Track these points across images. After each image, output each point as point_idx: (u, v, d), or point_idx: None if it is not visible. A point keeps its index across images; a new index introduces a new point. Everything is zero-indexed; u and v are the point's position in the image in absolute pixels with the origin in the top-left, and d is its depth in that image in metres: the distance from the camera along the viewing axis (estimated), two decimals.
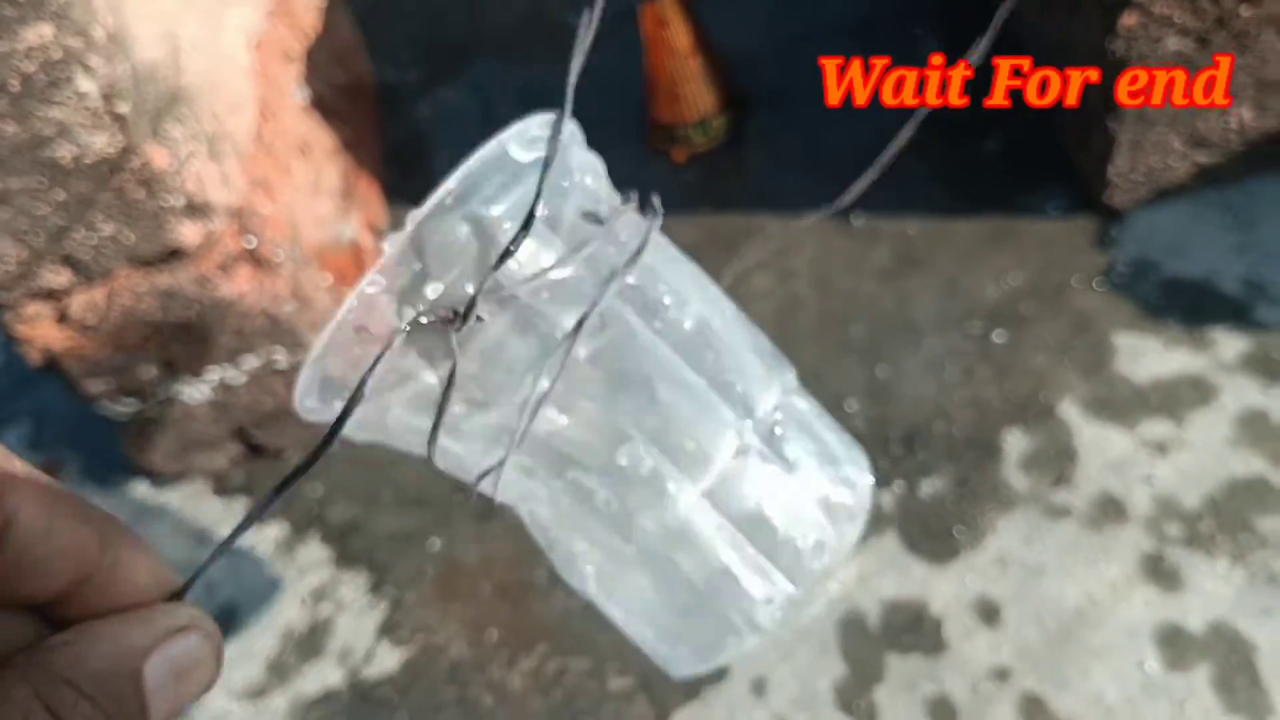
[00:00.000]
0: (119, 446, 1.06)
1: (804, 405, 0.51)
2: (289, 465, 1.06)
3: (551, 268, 0.41)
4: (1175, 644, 0.80)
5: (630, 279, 0.44)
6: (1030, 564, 0.87)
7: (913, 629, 0.87)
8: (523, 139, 0.43)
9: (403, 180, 1.34)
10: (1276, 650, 0.79)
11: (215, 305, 0.91)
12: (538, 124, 0.42)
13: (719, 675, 0.87)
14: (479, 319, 0.40)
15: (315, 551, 1.00)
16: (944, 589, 0.88)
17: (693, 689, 0.86)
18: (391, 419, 0.44)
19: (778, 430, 0.48)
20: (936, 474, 0.94)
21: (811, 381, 1.02)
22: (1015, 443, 0.93)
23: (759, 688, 0.86)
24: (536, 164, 0.42)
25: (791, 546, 0.47)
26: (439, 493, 1.01)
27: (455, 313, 0.38)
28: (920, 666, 0.85)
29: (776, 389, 0.50)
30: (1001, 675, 0.83)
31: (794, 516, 0.48)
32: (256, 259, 0.92)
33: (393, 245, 0.41)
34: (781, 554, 0.48)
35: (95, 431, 1.12)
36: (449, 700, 0.89)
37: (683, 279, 0.49)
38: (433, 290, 0.42)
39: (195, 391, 0.98)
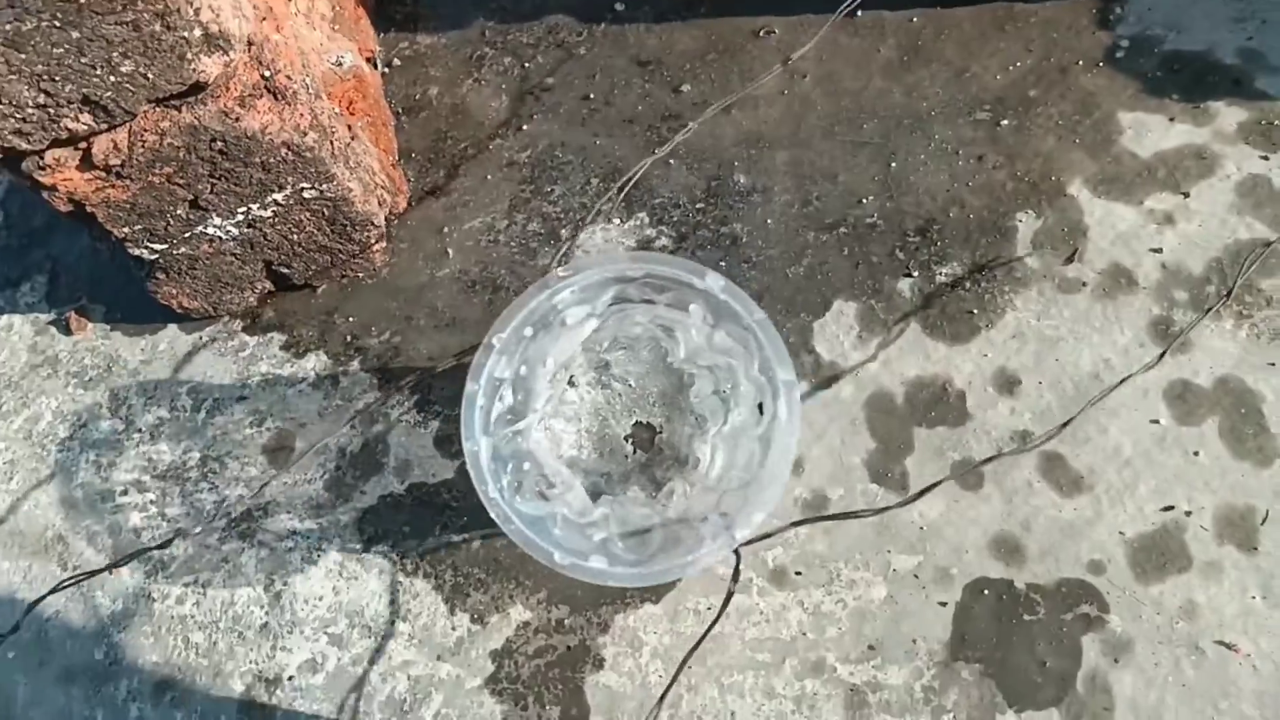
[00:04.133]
0: (140, 292, 1.07)
1: None
2: (321, 299, 1.09)
3: None
4: (1185, 400, 0.87)
5: None
6: (1046, 336, 0.93)
7: (937, 404, 0.93)
8: None
9: (387, 2, 1.31)
10: None
11: (239, 139, 0.91)
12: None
13: None
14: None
15: (358, 377, 1.04)
16: (965, 366, 0.94)
17: None
18: None
19: None
20: (953, 260, 0.98)
21: (827, 182, 1.05)
22: (1028, 224, 0.97)
23: (796, 467, 0.92)
24: None
25: None
26: (473, 316, 1.04)
27: None
28: (946, 436, 0.91)
29: None
30: (1023, 437, 0.89)
31: None
32: (274, 90, 0.91)
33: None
34: None
35: (113, 279, 1.13)
36: None
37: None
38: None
39: (223, 230, 0.99)
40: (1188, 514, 0.86)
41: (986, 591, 0.86)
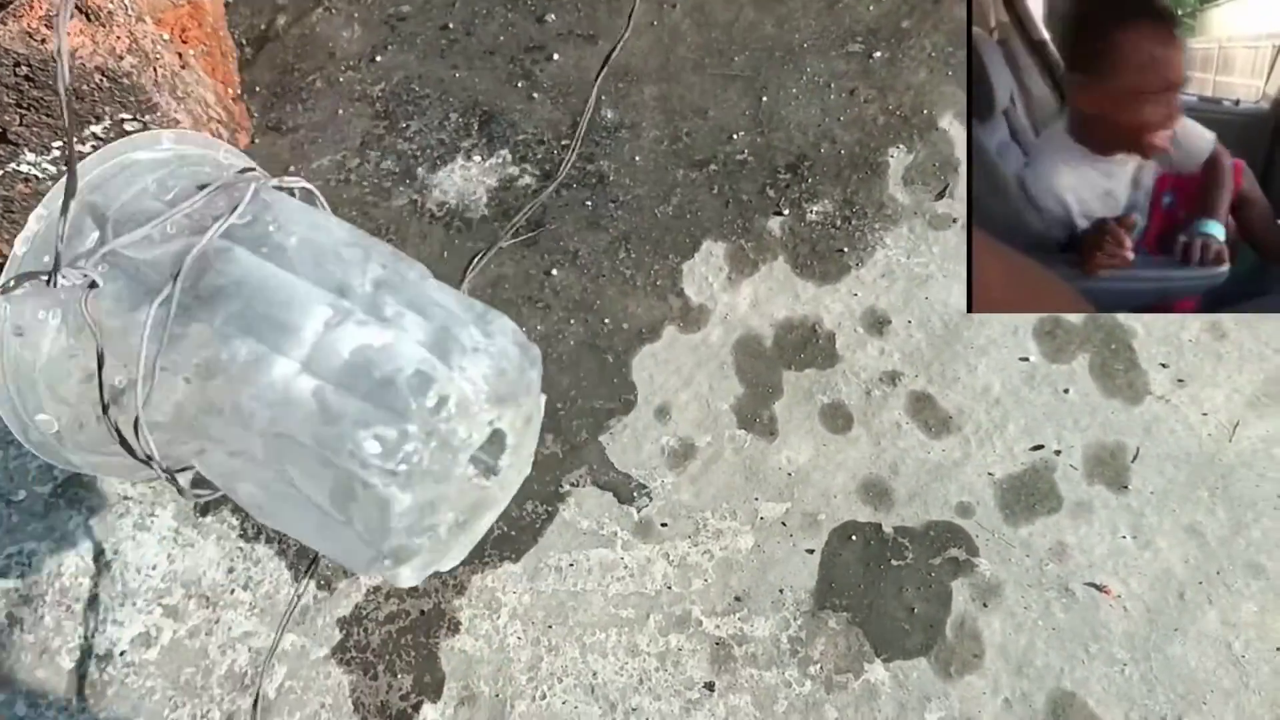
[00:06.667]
0: None
1: (414, 275, 0.65)
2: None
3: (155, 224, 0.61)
4: (1055, 336, 0.85)
5: (239, 219, 0.62)
6: (916, 274, 0.89)
7: (806, 345, 0.89)
8: None
9: None
10: (1152, 335, 0.83)
11: (46, 64, 0.82)
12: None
13: (625, 407, 0.88)
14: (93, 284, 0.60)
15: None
16: (834, 306, 0.90)
17: (597, 422, 0.88)
18: None
19: (379, 298, 0.62)
20: (823, 197, 0.94)
21: (697, 118, 1.00)
22: (899, 159, 0.94)
23: (662, 414, 0.88)
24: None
25: (391, 383, 0.59)
26: None
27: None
28: (815, 379, 0.88)
29: (372, 268, 0.63)
30: (892, 379, 0.86)
31: (389, 356, 0.59)
32: (85, 10, 0.83)
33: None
34: (384, 395, 0.59)
35: None
36: None
37: (290, 211, 0.66)
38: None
39: (38, 168, 0.90)
40: (1057, 453, 0.84)
41: (855, 537, 0.83)
